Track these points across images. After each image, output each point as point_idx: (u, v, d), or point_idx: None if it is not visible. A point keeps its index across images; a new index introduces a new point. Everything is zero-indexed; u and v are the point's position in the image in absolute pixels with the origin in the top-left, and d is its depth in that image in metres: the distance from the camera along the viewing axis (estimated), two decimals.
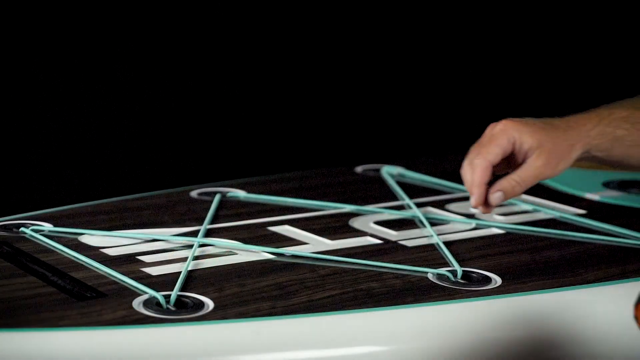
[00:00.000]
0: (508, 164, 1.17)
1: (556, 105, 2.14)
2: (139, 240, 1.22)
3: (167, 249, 1.19)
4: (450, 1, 2.30)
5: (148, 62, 2.05)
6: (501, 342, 1.04)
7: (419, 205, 1.42)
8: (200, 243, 1.20)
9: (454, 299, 1.07)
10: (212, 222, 1.31)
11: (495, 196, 1.15)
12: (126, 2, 2.01)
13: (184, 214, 1.35)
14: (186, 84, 2.10)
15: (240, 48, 2.12)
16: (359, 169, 1.66)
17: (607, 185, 1.57)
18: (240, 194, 1.46)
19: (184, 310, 1.00)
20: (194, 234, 1.25)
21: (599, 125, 1.16)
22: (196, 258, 1.16)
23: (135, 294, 1.04)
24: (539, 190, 1.54)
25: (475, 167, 1.14)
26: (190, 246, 1.19)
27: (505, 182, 1.15)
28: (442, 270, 1.14)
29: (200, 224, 1.29)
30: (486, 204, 1.15)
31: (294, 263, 1.16)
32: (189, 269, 1.12)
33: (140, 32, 2.03)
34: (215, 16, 2.09)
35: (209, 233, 1.27)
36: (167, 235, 1.24)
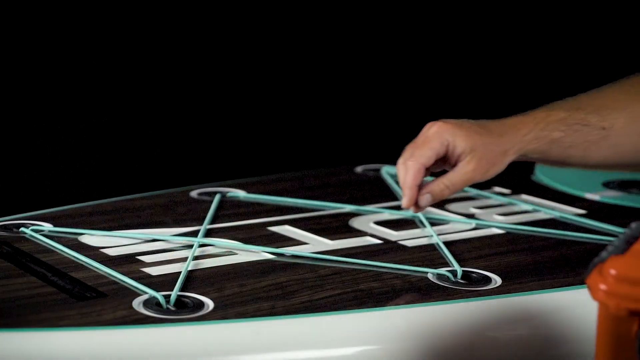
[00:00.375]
0: (443, 162, 1.18)
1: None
2: (139, 240, 1.22)
3: (167, 249, 1.19)
4: (450, 2, 2.30)
5: (148, 62, 2.05)
6: (501, 342, 1.04)
7: None
8: (200, 243, 1.20)
9: (454, 299, 1.07)
10: (212, 222, 1.31)
11: (424, 198, 1.17)
12: (127, 2, 2.01)
13: (184, 214, 1.35)
14: (186, 84, 2.10)
15: (241, 48, 2.12)
16: (359, 169, 1.66)
17: (607, 185, 1.57)
18: (240, 194, 1.46)
19: (184, 310, 1.00)
20: (194, 234, 1.25)
21: (535, 129, 1.17)
22: (196, 258, 1.16)
23: (135, 294, 1.04)
24: (539, 190, 1.54)
25: (408, 169, 1.15)
26: (190, 246, 1.19)
27: (435, 186, 1.17)
28: (442, 270, 1.14)
29: (200, 224, 1.29)
30: (417, 204, 1.17)
31: (294, 263, 1.16)
32: (189, 269, 1.12)
33: (141, 32, 2.03)
34: (216, 17, 2.09)
35: (209, 233, 1.27)
36: (167, 235, 1.24)
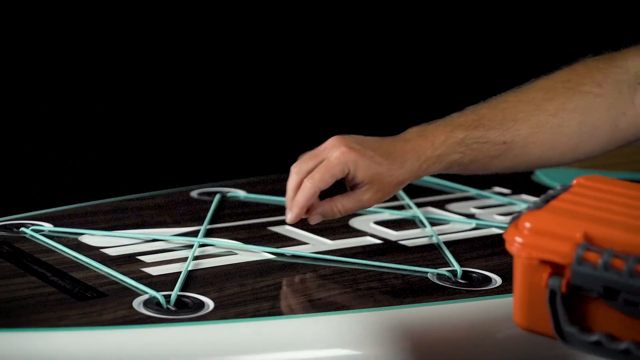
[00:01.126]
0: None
1: None
2: (139, 240, 1.22)
3: (167, 249, 1.19)
4: (438, 12, 2.30)
5: (148, 62, 2.05)
6: (502, 342, 1.04)
7: (419, 205, 1.42)
8: (200, 243, 1.20)
9: (454, 299, 1.07)
10: (212, 222, 1.31)
11: (314, 218, 1.18)
12: (127, 3, 2.01)
13: (184, 214, 1.35)
14: (186, 84, 2.10)
15: (240, 49, 2.12)
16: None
17: None
18: (240, 194, 1.46)
19: (184, 310, 1.00)
20: (194, 234, 1.25)
21: (433, 154, 1.18)
22: (196, 258, 1.16)
23: (135, 294, 1.04)
24: (539, 190, 1.54)
25: (303, 189, 1.15)
26: (190, 246, 1.19)
27: (327, 207, 1.17)
28: (442, 270, 1.14)
29: (200, 224, 1.29)
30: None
31: (294, 263, 1.16)
32: (189, 269, 1.12)
33: (141, 32, 2.03)
34: (216, 17, 2.09)
35: (209, 233, 1.27)
36: (167, 235, 1.24)
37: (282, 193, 1.45)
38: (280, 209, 1.38)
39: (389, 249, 1.23)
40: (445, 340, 1.03)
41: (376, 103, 2.30)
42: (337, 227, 1.31)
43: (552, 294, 0.83)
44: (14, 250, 1.17)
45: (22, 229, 1.24)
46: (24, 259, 1.14)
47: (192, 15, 2.08)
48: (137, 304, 1.01)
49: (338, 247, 1.23)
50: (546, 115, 1.21)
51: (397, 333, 1.01)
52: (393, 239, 1.27)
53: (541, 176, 1.62)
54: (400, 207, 1.41)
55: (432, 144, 1.18)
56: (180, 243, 1.21)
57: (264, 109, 2.18)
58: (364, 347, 0.99)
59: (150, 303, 1.01)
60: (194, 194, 1.46)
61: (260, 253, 1.19)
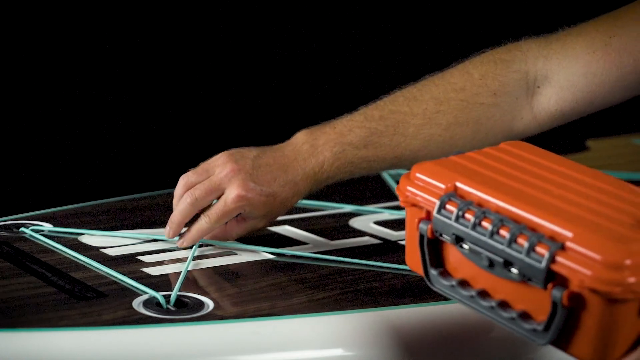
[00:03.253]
0: None
1: None
2: (139, 240, 1.22)
3: (167, 249, 1.19)
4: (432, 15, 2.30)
5: (148, 62, 2.05)
6: (502, 341, 1.04)
7: None
8: (200, 243, 1.20)
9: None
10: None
11: (189, 240, 1.19)
12: (127, 3, 2.01)
13: None
14: (186, 84, 2.10)
15: (240, 49, 2.12)
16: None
17: None
18: None
19: (184, 310, 1.00)
20: None
21: (322, 177, 1.20)
22: (196, 258, 1.16)
23: (135, 294, 1.04)
24: None
25: (199, 222, 1.17)
26: (190, 246, 1.19)
27: (220, 235, 1.20)
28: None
29: None
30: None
31: (294, 263, 1.16)
32: (189, 269, 1.12)
33: (141, 33, 2.03)
34: (215, 17, 2.09)
35: None
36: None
37: None
38: None
39: (389, 249, 1.23)
40: (445, 340, 1.03)
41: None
42: (337, 227, 1.31)
43: (422, 237, 0.92)
44: (14, 250, 1.17)
45: (22, 229, 1.24)
46: (23, 259, 1.14)
47: (192, 16, 2.08)
48: (137, 304, 1.01)
49: (338, 247, 1.23)
50: (438, 129, 1.20)
51: (397, 333, 1.01)
52: (393, 239, 1.27)
53: None
54: (401, 207, 1.41)
55: (322, 166, 1.19)
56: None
57: (264, 109, 2.18)
58: (364, 347, 0.99)
59: (150, 303, 1.01)
60: None
61: (260, 253, 1.19)
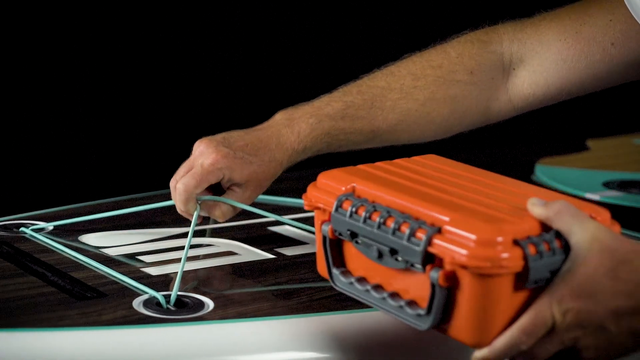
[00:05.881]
0: None
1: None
2: (139, 240, 1.22)
3: (167, 248, 1.19)
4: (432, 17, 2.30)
5: (148, 62, 2.05)
6: None
7: None
8: (204, 240, 1.20)
9: None
10: (212, 222, 1.31)
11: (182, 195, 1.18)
12: (127, 3, 2.01)
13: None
14: (186, 84, 2.10)
15: (240, 49, 2.12)
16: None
17: (607, 185, 1.57)
18: None
19: (184, 310, 1.00)
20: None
21: (299, 147, 1.20)
22: (196, 258, 1.16)
23: (135, 294, 1.04)
24: None
25: (177, 190, 1.16)
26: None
27: (212, 209, 1.19)
28: None
29: None
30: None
31: (294, 263, 1.16)
32: (185, 268, 1.12)
33: (141, 33, 2.03)
34: (215, 17, 2.09)
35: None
36: (167, 235, 1.24)
37: (282, 193, 1.46)
38: (280, 209, 1.38)
39: None
40: (444, 339, 1.03)
41: None
42: None
43: (324, 239, 0.97)
44: (14, 250, 1.17)
45: (22, 229, 1.24)
46: (23, 259, 1.14)
47: (192, 16, 2.08)
48: (137, 304, 1.01)
49: None
50: (415, 104, 1.22)
51: (397, 333, 1.01)
52: None
53: (541, 176, 1.62)
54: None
55: (298, 136, 1.20)
56: (180, 243, 1.21)
57: (264, 109, 2.18)
58: (364, 347, 0.99)
59: (150, 303, 1.01)
60: None
61: (260, 253, 1.19)
